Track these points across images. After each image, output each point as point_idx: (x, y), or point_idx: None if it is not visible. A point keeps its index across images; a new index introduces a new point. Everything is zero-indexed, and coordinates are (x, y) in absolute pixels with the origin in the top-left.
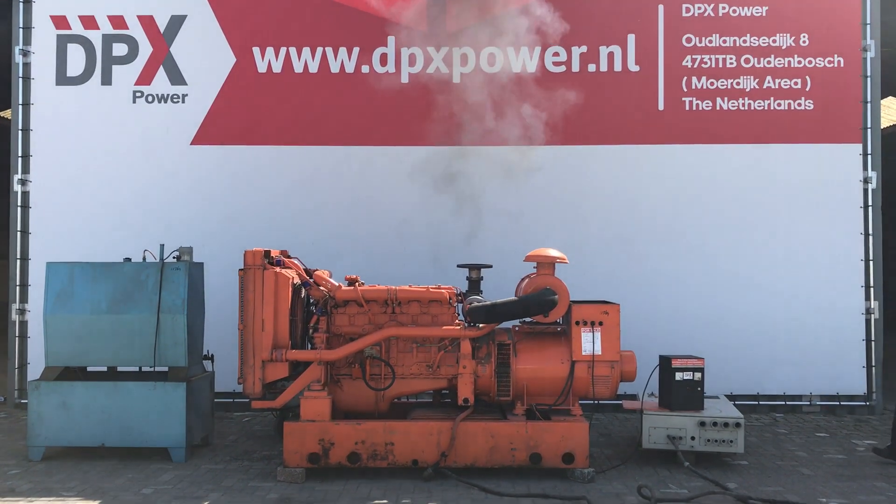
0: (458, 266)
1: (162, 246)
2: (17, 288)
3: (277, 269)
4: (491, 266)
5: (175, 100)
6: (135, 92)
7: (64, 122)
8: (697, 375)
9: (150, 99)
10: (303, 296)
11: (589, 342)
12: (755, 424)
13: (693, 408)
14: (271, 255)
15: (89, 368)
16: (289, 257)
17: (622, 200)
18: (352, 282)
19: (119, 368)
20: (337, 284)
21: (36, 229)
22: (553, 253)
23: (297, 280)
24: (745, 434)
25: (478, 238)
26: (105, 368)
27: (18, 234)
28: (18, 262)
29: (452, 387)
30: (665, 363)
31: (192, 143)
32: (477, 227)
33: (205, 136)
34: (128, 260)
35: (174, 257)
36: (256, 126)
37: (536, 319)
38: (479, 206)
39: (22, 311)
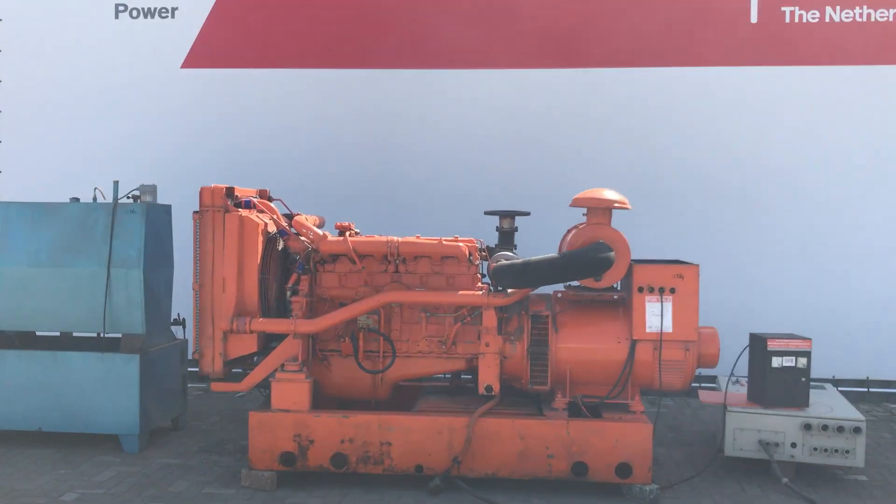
0: (486, 213)
1: (116, 183)
2: None
3: (243, 213)
4: (528, 213)
5: (163, 14)
6: (117, 5)
7: (35, 41)
8: (802, 362)
9: (134, 13)
10: (280, 248)
11: (656, 315)
12: (868, 419)
13: (795, 404)
14: (235, 193)
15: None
16: (270, 199)
17: (703, 134)
18: (343, 230)
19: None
20: (322, 234)
21: (5, 166)
22: (609, 195)
23: (272, 227)
24: None
25: (521, 181)
26: (58, 334)
27: None
28: None
29: (473, 369)
30: (758, 344)
31: (182, 66)
32: (525, 167)
33: (198, 57)
34: (75, 200)
35: (131, 196)
36: (259, 46)
37: (585, 284)
38: (529, 141)
39: None
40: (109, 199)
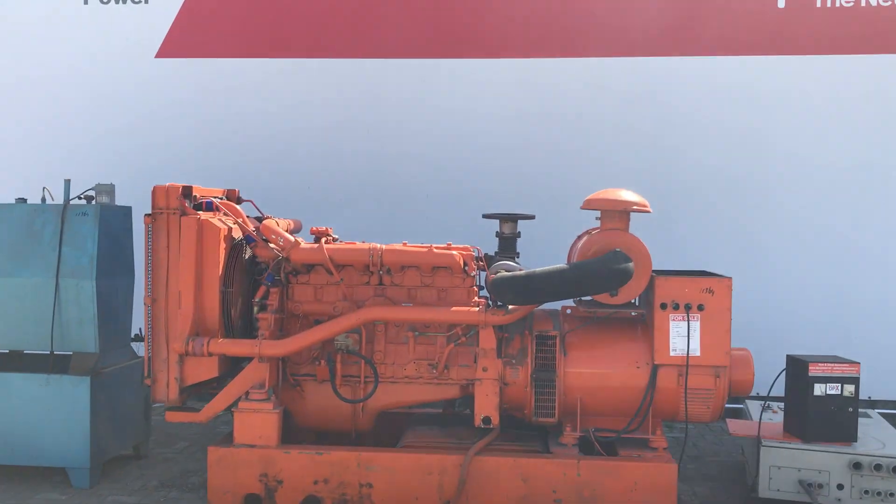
0: (484, 216)
1: (67, 181)
2: None
3: (203, 216)
4: (533, 217)
5: None
6: None
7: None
8: (849, 389)
9: None
10: (247, 257)
11: (681, 336)
12: None
13: (841, 438)
14: (194, 193)
15: None
16: (239, 200)
17: (725, 131)
18: (319, 236)
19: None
20: (294, 240)
21: None
22: (626, 196)
23: (237, 233)
24: None
25: (524, 180)
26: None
27: None
28: None
29: (468, 396)
30: (797, 368)
31: (157, 56)
32: (529, 165)
33: (174, 46)
34: (21, 201)
35: (85, 197)
36: (240, 33)
37: (599, 299)
38: (533, 136)
39: None
40: (60, 200)
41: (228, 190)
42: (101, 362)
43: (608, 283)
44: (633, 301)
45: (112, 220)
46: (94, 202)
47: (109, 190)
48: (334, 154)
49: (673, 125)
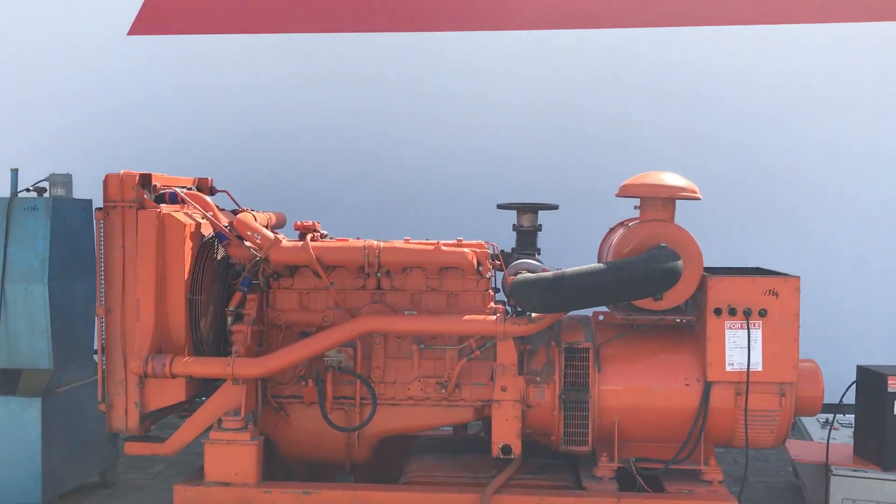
0: (499, 207)
1: (14, 171)
2: None
3: (165, 209)
4: (556, 207)
5: None
6: None
7: None
8: None
9: None
10: (220, 258)
11: (740, 347)
12: None
13: None
14: (154, 182)
15: None
16: (212, 190)
17: (770, 110)
18: (305, 233)
19: None
20: (273, 237)
21: None
22: (672, 180)
23: (207, 229)
24: None
25: (544, 166)
26: None
27: None
28: None
29: (484, 419)
30: (871, 382)
31: (130, 33)
32: (549, 149)
33: (148, 21)
34: None
35: (35, 189)
36: (223, 6)
37: (640, 304)
38: (553, 117)
39: None
40: (6, 193)
41: (200, 179)
42: (55, 380)
43: (653, 285)
44: (679, 306)
45: (68, 216)
46: (46, 195)
47: (65, 181)
48: (324, 139)
49: (709, 103)
